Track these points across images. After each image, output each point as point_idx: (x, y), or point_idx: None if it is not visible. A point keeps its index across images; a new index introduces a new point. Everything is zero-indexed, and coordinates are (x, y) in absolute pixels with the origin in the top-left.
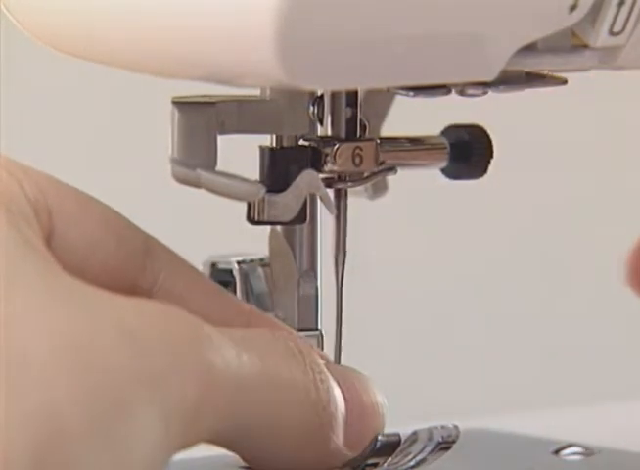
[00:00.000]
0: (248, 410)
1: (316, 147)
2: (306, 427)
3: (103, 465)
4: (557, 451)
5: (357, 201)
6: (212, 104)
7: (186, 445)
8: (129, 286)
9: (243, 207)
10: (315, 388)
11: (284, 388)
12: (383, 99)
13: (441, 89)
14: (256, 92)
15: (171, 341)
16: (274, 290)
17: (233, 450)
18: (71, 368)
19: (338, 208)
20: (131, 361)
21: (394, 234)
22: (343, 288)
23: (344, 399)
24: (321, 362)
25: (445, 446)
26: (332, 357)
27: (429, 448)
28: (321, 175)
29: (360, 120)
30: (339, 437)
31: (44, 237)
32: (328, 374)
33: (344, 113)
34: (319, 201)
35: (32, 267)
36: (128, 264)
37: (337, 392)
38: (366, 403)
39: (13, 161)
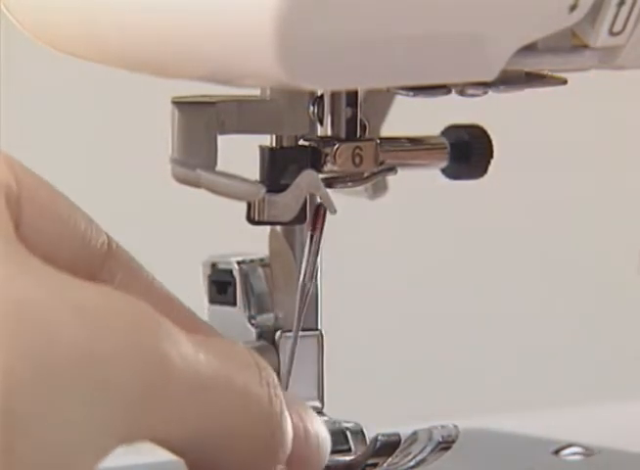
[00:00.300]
0: (200, 411)
1: (316, 147)
2: (257, 439)
3: (43, 432)
4: (557, 451)
5: (357, 201)
6: (212, 104)
7: (131, 438)
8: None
9: (243, 207)
10: (269, 400)
11: (238, 394)
12: (383, 99)
13: (441, 89)
14: (256, 92)
15: (127, 326)
16: (274, 290)
17: (181, 457)
18: (21, 336)
19: (311, 239)
20: (83, 338)
21: (394, 234)
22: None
23: (292, 423)
24: (277, 379)
25: (445, 446)
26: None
27: (429, 448)
28: (321, 175)
29: (360, 120)
30: (285, 454)
31: (13, 224)
32: (281, 392)
33: (344, 113)
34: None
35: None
36: (89, 262)
37: (287, 412)
38: (311, 431)
39: None
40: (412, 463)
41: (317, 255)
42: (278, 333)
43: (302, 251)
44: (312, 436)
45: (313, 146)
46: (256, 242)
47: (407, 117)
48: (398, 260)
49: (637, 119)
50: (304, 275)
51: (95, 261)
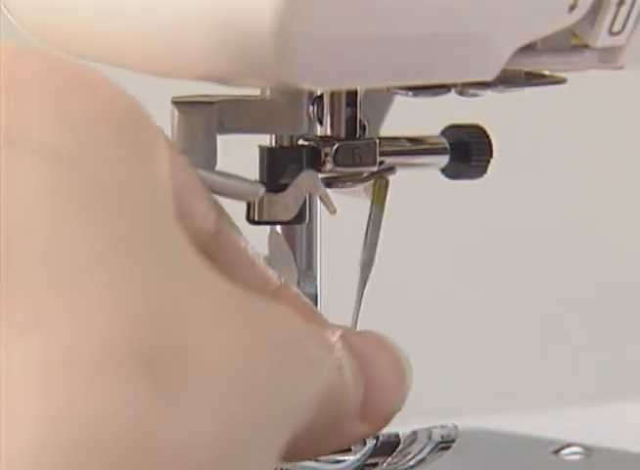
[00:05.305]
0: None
1: (316, 147)
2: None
3: None
4: (557, 451)
5: (357, 201)
6: (212, 104)
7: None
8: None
9: (243, 207)
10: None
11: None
12: (382, 99)
13: (441, 89)
14: (256, 92)
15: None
16: None
17: None
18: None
19: (374, 212)
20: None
21: (394, 234)
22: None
23: (365, 374)
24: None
25: (445, 445)
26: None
27: (428, 448)
28: (321, 175)
29: (360, 120)
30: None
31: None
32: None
33: (344, 112)
34: (318, 201)
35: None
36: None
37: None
38: (388, 377)
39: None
40: (412, 463)
41: (379, 229)
42: None
43: (302, 251)
44: (387, 384)
45: (313, 146)
46: (256, 242)
47: (407, 117)
48: (398, 260)
49: (637, 119)
50: (367, 251)
51: (207, 236)
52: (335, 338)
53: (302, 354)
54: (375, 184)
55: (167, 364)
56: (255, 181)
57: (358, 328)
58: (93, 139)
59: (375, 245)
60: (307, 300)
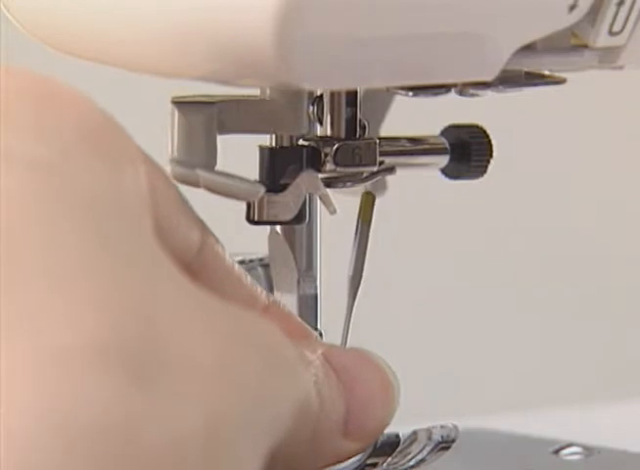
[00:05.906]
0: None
1: (316, 147)
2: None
3: None
4: (557, 451)
5: (357, 201)
6: (212, 104)
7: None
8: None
9: (243, 207)
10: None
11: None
12: (382, 99)
13: (441, 89)
14: (256, 92)
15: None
16: (274, 290)
17: None
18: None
19: (362, 230)
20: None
21: (394, 234)
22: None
23: (348, 391)
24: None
25: (445, 445)
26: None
27: (428, 448)
28: (321, 175)
29: (360, 120)
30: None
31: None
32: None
33: (344, 112)
34: (318, 201)
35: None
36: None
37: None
38: (372, 394)
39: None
40: (411, 463)
41: (366, 245)
42: None
43: (302, 251)
44: (373, 399)
45: (313, 146)
46: (256, 242)
47: (407, 117)
48: (397, 260)
49: (637, 119)
50: (355, 267)
51: (191, 252)
52: (314, 355)
53: (283, 366)
54: (361, 201)
55: (152, 360)
56: (255, 181)
57: (353, 335)
58: (71, 152)
59: (362, 261)
60: (298, 318)
